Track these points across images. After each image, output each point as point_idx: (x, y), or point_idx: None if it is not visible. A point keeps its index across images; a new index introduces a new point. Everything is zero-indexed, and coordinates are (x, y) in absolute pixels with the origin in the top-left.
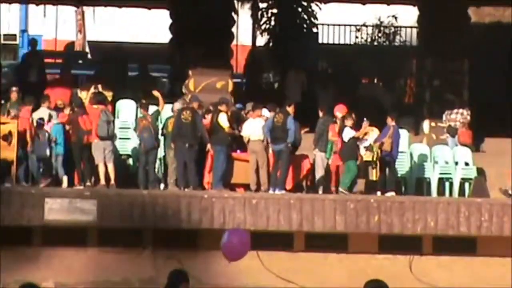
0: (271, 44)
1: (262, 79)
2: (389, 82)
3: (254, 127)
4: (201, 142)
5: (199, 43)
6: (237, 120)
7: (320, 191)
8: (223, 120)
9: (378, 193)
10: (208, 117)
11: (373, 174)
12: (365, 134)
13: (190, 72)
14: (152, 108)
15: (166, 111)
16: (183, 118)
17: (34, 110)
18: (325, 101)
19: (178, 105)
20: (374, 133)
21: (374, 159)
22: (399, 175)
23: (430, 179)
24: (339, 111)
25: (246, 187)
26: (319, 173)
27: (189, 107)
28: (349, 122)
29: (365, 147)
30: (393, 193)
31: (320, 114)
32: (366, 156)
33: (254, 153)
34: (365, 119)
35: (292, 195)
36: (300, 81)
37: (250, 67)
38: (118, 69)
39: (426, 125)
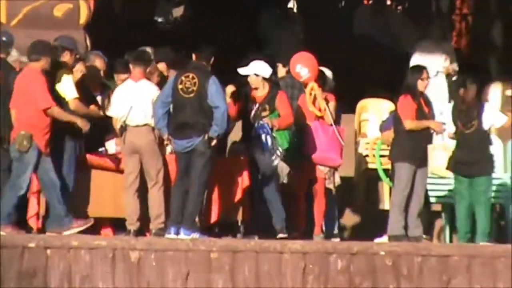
0: None
1: None
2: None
3: (134, 100)
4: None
5: None
6: (101, 85)
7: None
8: (66, 86)
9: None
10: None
11: None
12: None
13: None
14: None
15: None
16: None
17: None
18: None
19: None
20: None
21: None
22: None
23: None
24: (305, 64)
25: (117, 226)
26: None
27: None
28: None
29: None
30: None
31: (281, 71)
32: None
33: (135, 155)
34: None
35: (217, 241)
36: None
37: None
38: None
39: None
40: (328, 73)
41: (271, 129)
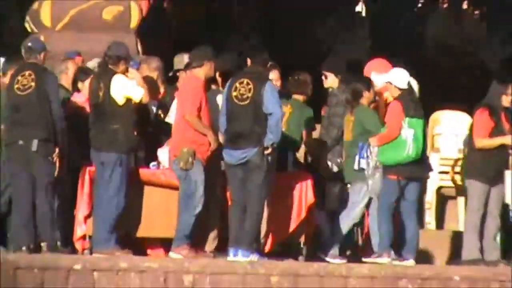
0: None
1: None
2: None
3: None
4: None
5: None
6: (157, 93)
7: (335, 259)
8: (119, 91)
9: None
10: (85, 84)
11: None
12: None
13: None
14: None
15: None
16: (19, 88)
17: None
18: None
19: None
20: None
21: None
22: None
23: None
24: (380, 72)
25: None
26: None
27: (30, 64)
28: None
29: None
30: None
31: (327, 80)
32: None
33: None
34: None
35: (277, 264)
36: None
37: None
38: None
39: None
40: (414, 83)
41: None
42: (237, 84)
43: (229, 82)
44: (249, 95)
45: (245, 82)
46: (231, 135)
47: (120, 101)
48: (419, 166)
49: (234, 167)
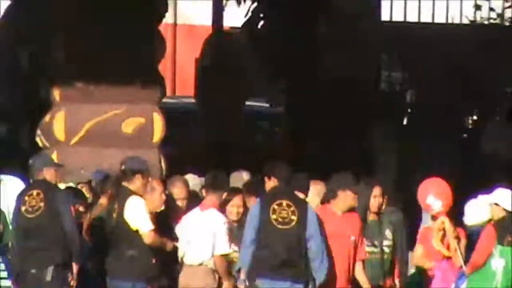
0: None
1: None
2: None
3: (193, 233)
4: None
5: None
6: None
7: None
8: (136, 214)
9: None
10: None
11: None
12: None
13: (56, 96)
14: None
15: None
16: (27, 210)
17: None
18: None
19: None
20: None
21: None
22: None
23: None
24: (439, 195)
25: None
26: None
27: (37, 182)
28: None
29: None
30: None
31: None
32: None
33: None
34: None
35: None
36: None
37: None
38: None
39: None
40: None
41: None
42: (275, 206)
43: (259, 205)
44: (294, 218)
45: (284, 204)
46: (272, 262)
47: (134, 226)
48: None
49: None
